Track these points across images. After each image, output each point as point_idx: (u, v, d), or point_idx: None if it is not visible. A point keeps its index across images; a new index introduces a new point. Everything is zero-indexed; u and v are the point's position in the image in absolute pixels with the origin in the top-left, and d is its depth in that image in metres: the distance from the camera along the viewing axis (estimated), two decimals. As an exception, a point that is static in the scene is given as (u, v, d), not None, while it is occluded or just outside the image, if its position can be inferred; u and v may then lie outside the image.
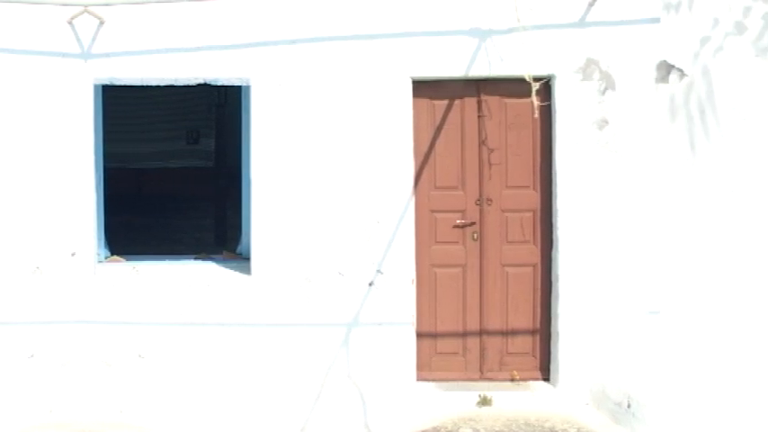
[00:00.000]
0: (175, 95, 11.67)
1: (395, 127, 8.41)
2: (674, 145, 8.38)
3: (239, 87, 8.67)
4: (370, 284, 8.41)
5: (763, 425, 8.17)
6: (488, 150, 8.54)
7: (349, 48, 8.39)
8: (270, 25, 8.38)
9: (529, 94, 8.27)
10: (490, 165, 8.55)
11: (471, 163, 8.57)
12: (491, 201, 8.58)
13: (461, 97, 8.56)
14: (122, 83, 8.48)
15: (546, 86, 8.40)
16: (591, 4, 8.37)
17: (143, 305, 8.39)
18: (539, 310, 8.61)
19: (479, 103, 8.54)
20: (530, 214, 8.59)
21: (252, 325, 8.39)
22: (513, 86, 8.34)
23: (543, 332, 8.61)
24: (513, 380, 8.60)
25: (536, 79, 8.00)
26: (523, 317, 8.63)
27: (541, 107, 7.99)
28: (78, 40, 8.36)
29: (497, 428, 8.12)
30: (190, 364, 8.37)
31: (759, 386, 8.25)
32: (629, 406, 8.28)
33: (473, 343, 8.65)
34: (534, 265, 8.61)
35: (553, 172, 8.48)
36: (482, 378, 8.65)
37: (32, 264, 8.32)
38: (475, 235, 8.60)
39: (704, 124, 8.37)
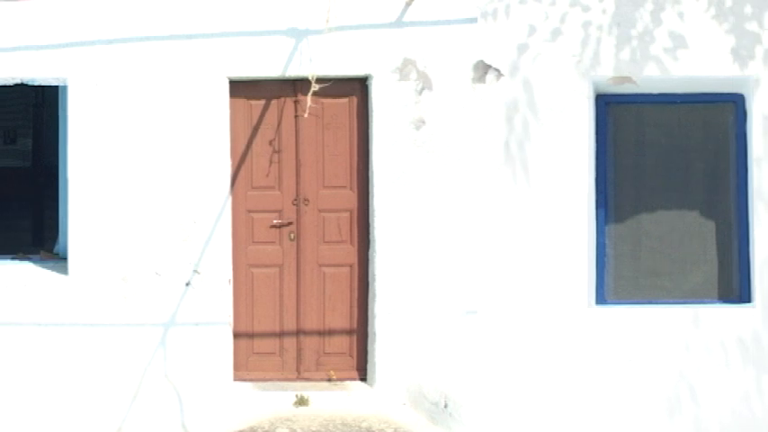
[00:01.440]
0: (-9, 95, 11.70)
1: (212, 127, 8.39)
2: (489, 145, 8.39)
3: (57, 87, 8.64)
4: (187, 284, 8.39)
5: (574, 422, 8.25)
6: (305, 150, 8.55)
7: (166, 48, 8.36)
8: (86, 25, 8.33)
9: (345, 95, 8.35)
10: (307, 165, 8.56)
11: (288, 163, 8.56)
12: (308, 201, 8.57)
13: (278, 97, 8.54)
14: (-62, 83, 8.47)
15: (363, 86, 8.44)
16: (408, 4, 8.38)
17: (-41, 305, 8.38)
18: (356, 310, 8.60)
19: (296, 103, 8.52)
20: (347, 214, 8.59)
21: (69, 325, 8.33)
22: (330, 87, 8.32)
23: (360, 332, 8.61)
24: (330, 380, 8.59)
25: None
26: (340, 317, 8.63)
27: (313, 108, 8.05)
28: None
29: (314, 428, 8.13)
30: (6, 364, 8.29)
31: (570, 384, 8.31)
32: (446, 406, 8.32)
33: (290, 343, 8.63)
34: (351, 266, 8.60)
35: (370, 172, 8.49)
36: (299, 378, 8.64)
37: None
38: (292, 235, 8.60)
39: (521, 125, 8.39)
